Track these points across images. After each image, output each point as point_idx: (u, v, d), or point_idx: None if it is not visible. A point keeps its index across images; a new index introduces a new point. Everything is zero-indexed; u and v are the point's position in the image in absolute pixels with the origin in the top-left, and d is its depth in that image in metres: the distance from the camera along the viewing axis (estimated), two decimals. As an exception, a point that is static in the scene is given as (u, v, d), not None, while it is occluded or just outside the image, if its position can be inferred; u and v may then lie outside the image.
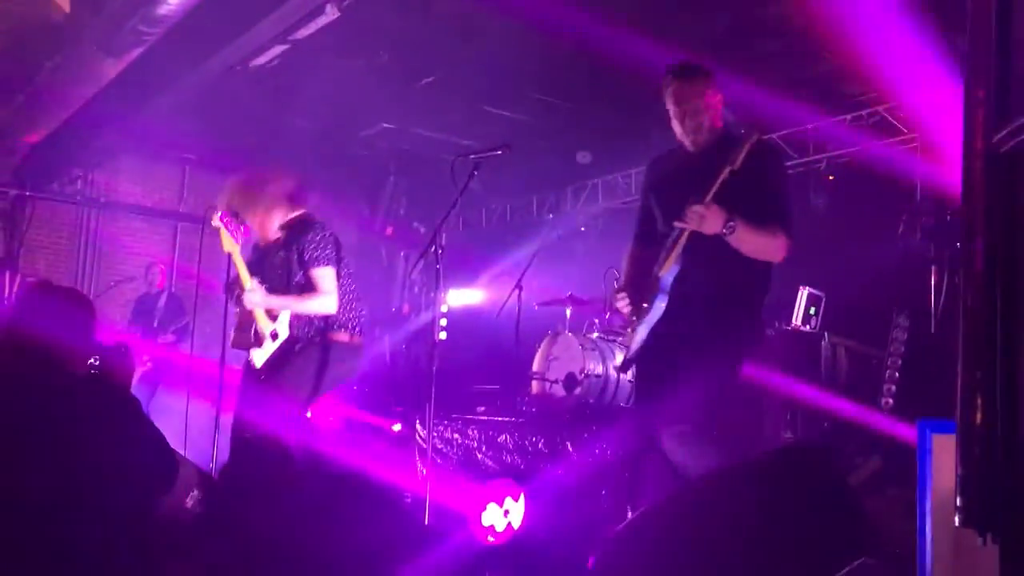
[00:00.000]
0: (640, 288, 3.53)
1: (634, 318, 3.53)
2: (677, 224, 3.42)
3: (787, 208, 3.48)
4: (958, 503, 1.45)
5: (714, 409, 3.39)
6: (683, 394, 3.26)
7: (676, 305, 3.43)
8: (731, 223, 3.29)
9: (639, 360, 3.61)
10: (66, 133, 8.02)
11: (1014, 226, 1.45)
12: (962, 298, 1.53)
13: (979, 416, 1.44)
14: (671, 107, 3.58)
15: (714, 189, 3.33)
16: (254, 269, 4.53)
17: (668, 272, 3.42)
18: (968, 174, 1.52)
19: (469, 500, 4.92)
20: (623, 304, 3.56)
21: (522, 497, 4.63)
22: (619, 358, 6.61)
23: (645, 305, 3.48)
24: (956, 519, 1.45)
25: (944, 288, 5.78)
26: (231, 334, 5.71)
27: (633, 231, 3.82)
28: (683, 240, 3.41)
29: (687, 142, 3.59)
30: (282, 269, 4.40)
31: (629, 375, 6.56)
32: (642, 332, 3.49)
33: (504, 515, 4.71)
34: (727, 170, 3.33)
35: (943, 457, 3.44)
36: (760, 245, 3.40)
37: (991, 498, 1.40)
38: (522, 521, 4.60)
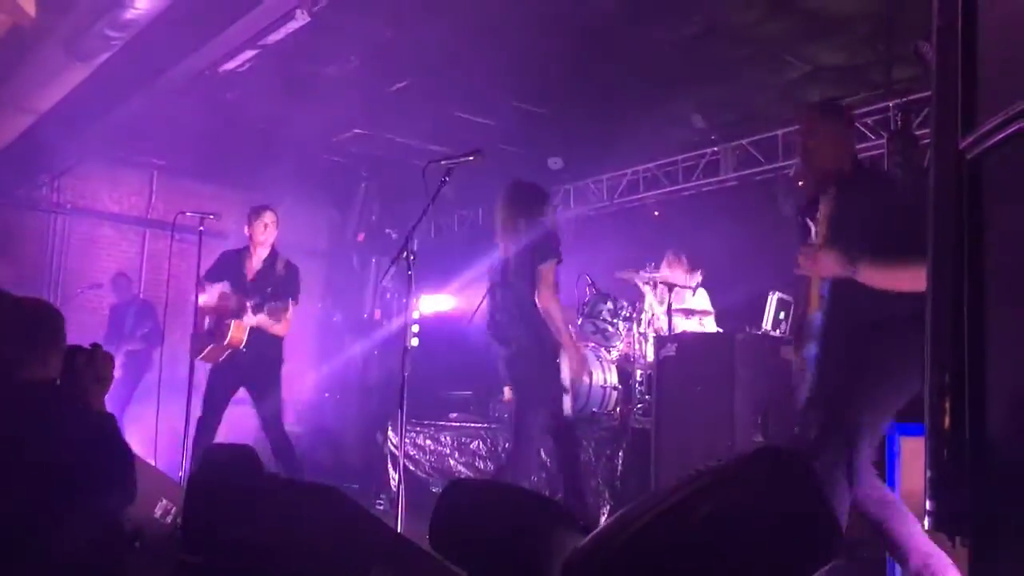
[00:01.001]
0: (802, 329, 3.40)
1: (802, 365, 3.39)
2: (796, 272, 3.33)
3: (904, 236, 3.15)
4: (928, 506, 1.45)
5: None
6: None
7: (824, 346, 3.25)
8: (851, 265, 3.13)
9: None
10: (32, 139, 7.91)
11: (981, 230, 1.46)
12: (930, 301, 1.54)
13: (947, 419, 1.44)
14: None
15: (822, 234, 3.23)
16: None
17: (815, 313, 3.30)
18: (935, 179, 1.53)
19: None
20: (787, 354, 3.42)
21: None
22: (596, 368, 6.60)
23: (801, 352, 3.36)
24: (926, 522, 1.45)
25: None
26: (198, 345, 5.65)
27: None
28: (818, 280, 3.30)
29: None
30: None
31: (602, 380, 6.58)
32: (809, 378, 3.29)
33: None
34: (829, 212, 3.23)
35: (911, 460, 3.47)
36: (891, 280, 3.11)
37: (961, 501, 1.41)
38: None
